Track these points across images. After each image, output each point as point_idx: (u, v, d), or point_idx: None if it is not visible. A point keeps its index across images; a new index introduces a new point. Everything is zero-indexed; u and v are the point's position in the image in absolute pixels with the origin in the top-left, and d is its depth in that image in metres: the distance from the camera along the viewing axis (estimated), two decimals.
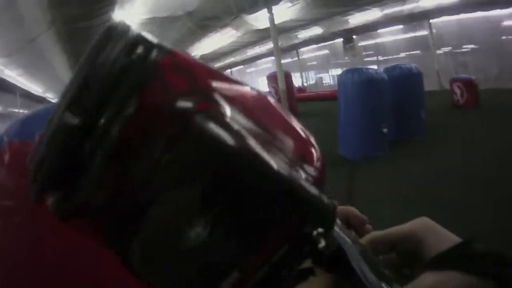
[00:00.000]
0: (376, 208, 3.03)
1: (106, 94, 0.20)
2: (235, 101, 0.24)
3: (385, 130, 5.24)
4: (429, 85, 9.22)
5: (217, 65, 24.74)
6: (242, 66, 28.84)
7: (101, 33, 0.22)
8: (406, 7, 11.64)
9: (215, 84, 0.24)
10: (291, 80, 11.66)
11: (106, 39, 0.22)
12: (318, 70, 20.89)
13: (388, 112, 5.43)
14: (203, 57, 21.77)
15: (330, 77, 19.99)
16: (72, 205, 0.22)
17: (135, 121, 0.21)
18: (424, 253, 0.31)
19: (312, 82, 21.32)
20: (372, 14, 12.44)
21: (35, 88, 17.21)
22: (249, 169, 0.22)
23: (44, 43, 10.06)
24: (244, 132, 0.22)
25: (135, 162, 0.21)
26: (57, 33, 10.47)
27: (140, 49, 0.21)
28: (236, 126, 0.22)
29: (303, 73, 21.40)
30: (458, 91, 8.79)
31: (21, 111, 21.26)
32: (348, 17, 12.99)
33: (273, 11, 9.08)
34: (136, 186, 0.22)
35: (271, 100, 0.29)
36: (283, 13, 9.68)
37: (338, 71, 18.23)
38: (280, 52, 10.07)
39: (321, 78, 20.93)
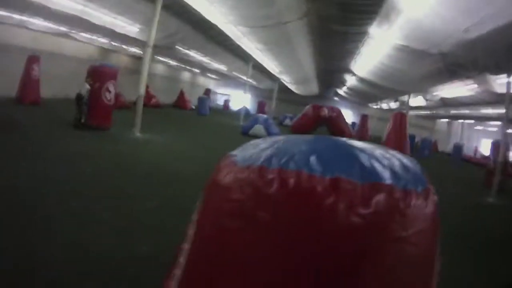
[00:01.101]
0: None
1: None
2: None
3: None
4: None
5: (452, 111, 25.13)
6: (473, 121, 29.05)
7: None
8: None
9: None
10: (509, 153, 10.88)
11: None
12: None
13: None
14: (443, 100, 22.21)
15: None
16: None
17: None
18: None
19: None
20: None
21: (271, 65, 18.30)
22: None
23: (294, 30, 10.64)
24: None
25: None
26: (309, 26, 11.07)
27: None
28: None
29: None
30: None
31: (250, 80, 24.33)
32: None
33: None
34: None
35: None
36: None
37: None
38: (508, 122, 9.82)
39: None
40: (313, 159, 1.30)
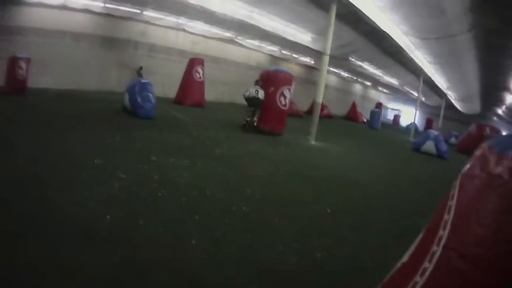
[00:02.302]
0: None
1: None
2: None
3: None
4: None
5: None
6: None
7: None
8: None
9: None
10: None
11: None
12: None
13: None
14: None
15: None
16: None
17: None
18: None
19: None
20: None
21: (440, 80, 18.32)
22: None
23: (462, 43, 10.43)
24: None
25: None
26: (475, 39, 10.65)
27: None
28: None
29: None
30: None
31: (420, 95, 22.82)
32: None
33: None
34: None
35: None
36: None
37: None
38: None
39: None
40: None
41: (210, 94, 15.01)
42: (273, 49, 17.89)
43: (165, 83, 14.18)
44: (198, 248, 2.98)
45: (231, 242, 3.18)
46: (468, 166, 1.61)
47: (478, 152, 1.60)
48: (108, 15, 13.21)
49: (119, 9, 12.75)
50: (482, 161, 1.53)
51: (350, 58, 15.88)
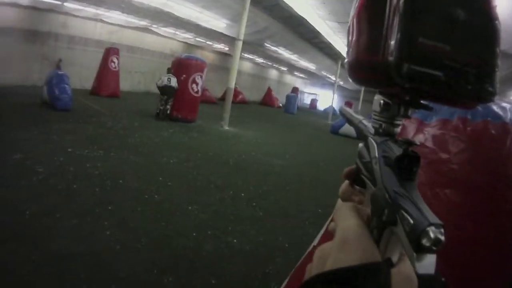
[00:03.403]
0: None
1: None
2: None
3: None
4: None
5: None
6: None
7: None
8: None
9: None
10: None
11: None
12: None
13: None
14: None
15: None
16: None
17: None
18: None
19: None
20: None
21: None
22: None
23: None
24: None
25: None
26: None
27: None
28: None
29: None
30: None
31: (338, 79, 22.98)
32: None
33: None
34: None
35: None
36: None
37: None
38: None
39: None
40: None
41: (126, 84, 15.00)
42: (188, 36, 17.82)
43: (82, 74, 13.97)
44: (112, 239, 3.09)
45: (145, 232, 3.30)
46: None
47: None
48: (32, 8, 12.62)
49: (43, 1, 12.34)
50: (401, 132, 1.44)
51: (265, 44, 16.01)
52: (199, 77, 10.12)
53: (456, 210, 1.13)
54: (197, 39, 18.34)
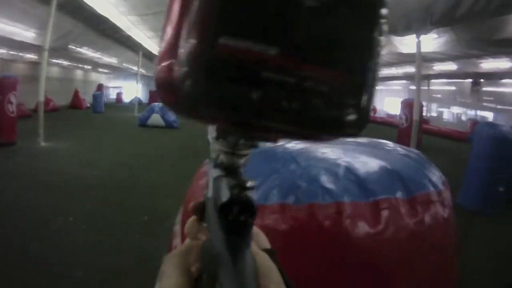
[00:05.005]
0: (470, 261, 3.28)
1: None
2: None
3: (501, 189, 5.23)
4: None
5: None
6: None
7: None
8: None
9: None
10: (422, 111, 11.09)
11: None
12: (441, 104, 21.13)
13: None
14: None
15: (450, 114, 20.26)
16: None
17: None
18: None
19: (434, 114, 21.48)
20: (502, 63, 13.12)
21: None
22: None
23: None
24: None
25: None
26: None
27: None
28: None
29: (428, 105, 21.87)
30: None
31: (141, 69, 23.86)
32: (482, 60, 13.55)
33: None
34: None
35: None
36: (426, 43, 9.91)
37: (458, 109, 18.91)
38: (420, 80, 9.90)
39: (441, 112, 21.13)
40: None
41: None
42: (2, 51, 16.34)
43: None
44: None
45: None
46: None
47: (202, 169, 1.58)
48: None
49: None
50: (199, 177, 1.54)
51: (70, 47, 15.82)
52: (13, 95, 9.47)
53: None
54: (11, 52, 16.90)
